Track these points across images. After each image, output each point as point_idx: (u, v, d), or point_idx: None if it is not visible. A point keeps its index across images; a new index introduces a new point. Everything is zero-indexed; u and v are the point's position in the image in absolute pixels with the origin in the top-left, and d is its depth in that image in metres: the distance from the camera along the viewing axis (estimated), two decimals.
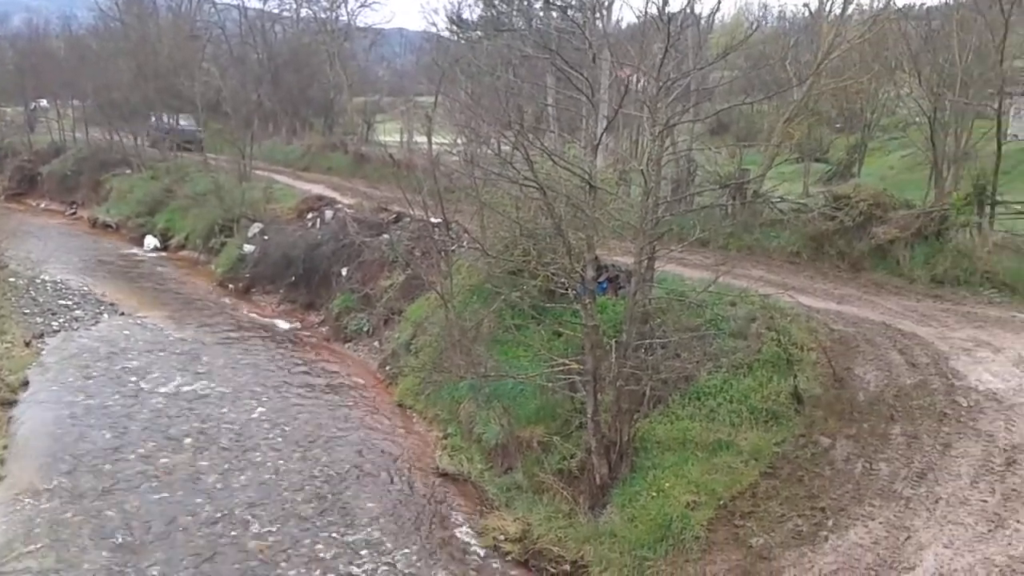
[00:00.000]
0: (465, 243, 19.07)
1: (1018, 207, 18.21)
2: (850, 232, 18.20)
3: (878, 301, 16.06)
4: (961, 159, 20.78)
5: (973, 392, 12.26)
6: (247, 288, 25.02)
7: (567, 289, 13.58)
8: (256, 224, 26.86)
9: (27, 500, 13.40)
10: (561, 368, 13.39)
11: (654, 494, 11.96)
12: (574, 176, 13.33)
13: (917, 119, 23.24)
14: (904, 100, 25.88)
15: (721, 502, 11.47)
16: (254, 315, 23.45)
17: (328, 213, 26.06)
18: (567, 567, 11.73)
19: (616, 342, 13.04)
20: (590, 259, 13.43)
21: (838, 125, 27.58)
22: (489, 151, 18.30)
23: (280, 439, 15.94)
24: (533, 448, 13.93)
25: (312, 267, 23.75)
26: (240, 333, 21.84)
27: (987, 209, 17.50)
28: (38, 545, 12.15)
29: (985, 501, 10.32)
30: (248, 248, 26.17)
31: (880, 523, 10.46)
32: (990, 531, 9.81)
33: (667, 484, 12.00)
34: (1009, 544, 9.53)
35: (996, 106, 19.72)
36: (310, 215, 26.66)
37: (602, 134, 15.19)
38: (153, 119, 40.44)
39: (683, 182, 19.36)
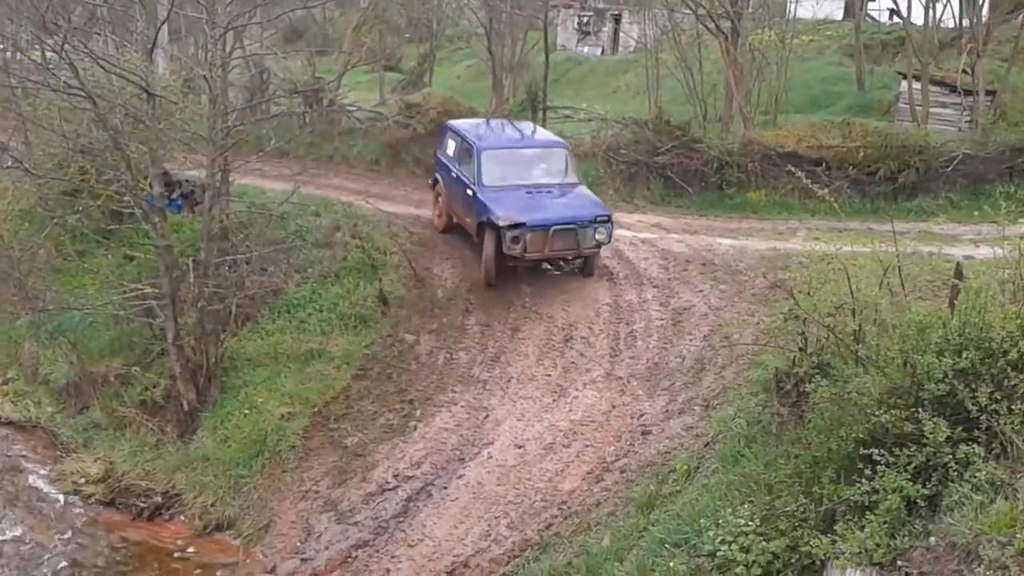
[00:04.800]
0: (7, 163, 16.66)
1: (565, 112, 20.31)
2: (423, 139, 18.98)
3: None
4: (517, 68, 22.53)
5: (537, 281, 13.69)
6: None
7: (134, 208, 12.57)
8: None
9: None
10: (135, 294, 12.46)
11: (247, 412, 11.83)
12: (131, 84, 12.23)
13: (478, 30, 24.73)
14: (465, 11, 27.33)
15: (315, 409, 11.69)
16: None
17: None
18: (158, 499, 11.21)
19: (195, 261, 12.46)
20: (156, 174, 12.53)
21: (407, 35, 28.38)
22: (27, 58, 16.11)
23: None
24: (110, 383, 13.01)
25: None
26: None
27: (540, 114, 19.28)
28: None
29: (549, 375, 11.69)
30: None
31: (462, 407, 11.40)
32: (554, 401, 11.17)
33: (260, 400, 11.93)
34: (570, 410, 10.93)
35: (543, 18, 21.62)
36: None
37: (156, 37, 14.04)
38: None
39: (256, 90, 18.67)
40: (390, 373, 12.38)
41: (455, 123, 16.08)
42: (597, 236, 13.27)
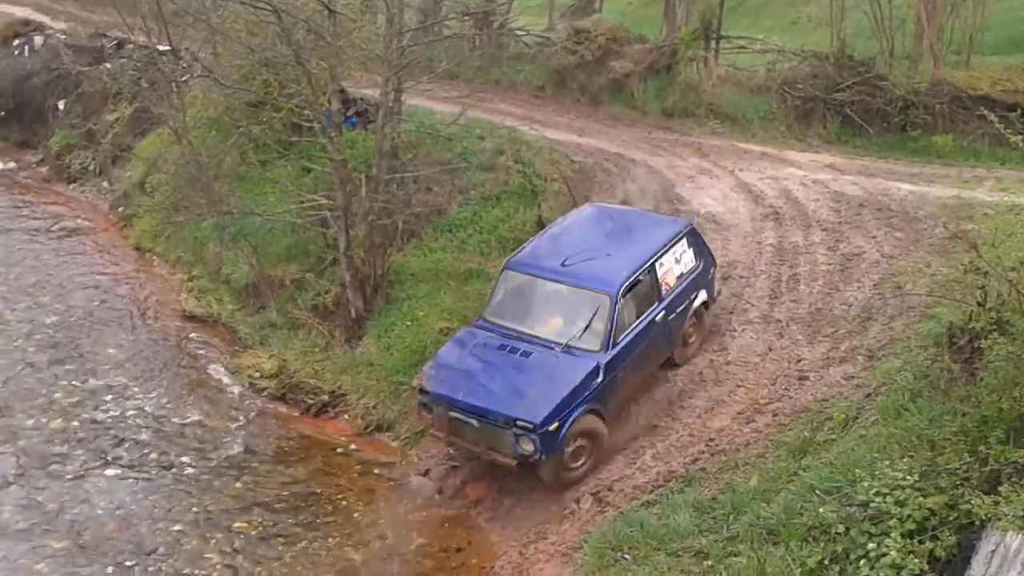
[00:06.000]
0: (197, 73, 17.66)
1: (740, 42, 19.52)
2: (590, 66, 18.77)
3: (615, 133, 16.91)
4: None
5: (695, 216, 13.45)
6: None
7: (313, 122, 13.13)
8: None
9: None
10: (311, 204, 13.12)
11: (409, 323, 12.34)
12: (313, 0, 12.65)
13: None
14: None
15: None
16: None
17: (38, 39, 23.03)
18: (325, 397, 11.98)
19: (367, 177, 12.92)
20: (334, 90, 12.98)
21: None
22: None
23: (3, 287, 14.62)
24: (286, 286, 13.78)
25: (24, 101, 21.19)
26: None
27: (712, 44, 18.64)
28: None
29: None
30: None
31: None
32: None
33: (421, 313, 12.40)
34: (724, 349, 10.81)
35: None
36: (16, 41, 23.44)
37: None
38: None
39: (430, 11, 18.91)
40: None
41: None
42: (521, 447, 9.06)
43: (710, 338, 10.99)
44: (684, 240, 10.71)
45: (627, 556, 7.98)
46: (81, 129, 19.77)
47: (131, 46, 19.66)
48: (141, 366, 12.84)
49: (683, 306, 10.54)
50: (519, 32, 20.47)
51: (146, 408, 11.89)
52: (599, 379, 9.40)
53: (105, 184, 18.85)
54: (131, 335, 13.72)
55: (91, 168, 19.25)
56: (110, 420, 11.59)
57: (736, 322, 11.19)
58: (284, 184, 14.27)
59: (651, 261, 10.22)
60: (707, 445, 9.37)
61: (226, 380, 12.79)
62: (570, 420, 9.09)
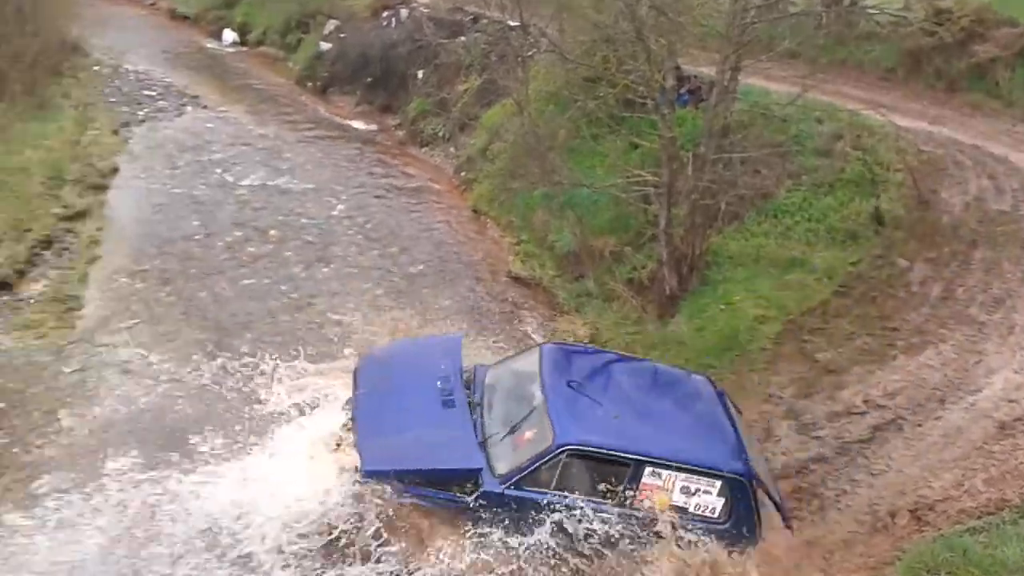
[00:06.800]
0: (543, 47, 18.52)
1: None
2: (949, 49, 17.17)
3: (972, 124, 15.42)
4: None
5: None
6: (325, 87, 24.87)
7: (646, 99, 13.28)
8: (332, 20, 26.32)
9: (122, 280, 14.21)
10: (636, 179, 13.34)
11: (723, 307, 12.20)
12: None
13: None
14: None
15: (790, 317, 11.67)
16: (332, 115, 23.49)
17: (404, 12, 25.35)
18: None
19: (694, 155, 12.86)
20: (671, 67, 13.03)
21: None
22: None
23: (360, 236, 16.42)
24: (604, 257, 14.15)
25: (389, 68, 23.42)
26: (319, 132, 22.03)
27: None
28: (134, 321, 13.01)
29: None
30: (325, 46, 25.80)
31: (951, 346, 10.58)
32: None
33: (737, 298, 12.21)
34: None
35: None
36: (385, 13, 25.96)
37: None
38: None
39: None
40: (874, 296, 11.85)
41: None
42: None
43: None
44: None
45: None
46: (435, 97, 21.53)
47: (485, 21, 21.07)
48: (470, 319, 13.85)
49: None
50: (872, 10, 19.15)
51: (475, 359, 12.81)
52: None
53: (452, 149, 20.42)
54: (463, 289, 14.85)
55: (441, 134, 20.94)
56: None
57: None
58: (612, 158, 14.63)
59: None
60: None
61: (542, 341, 13.43)
62: None
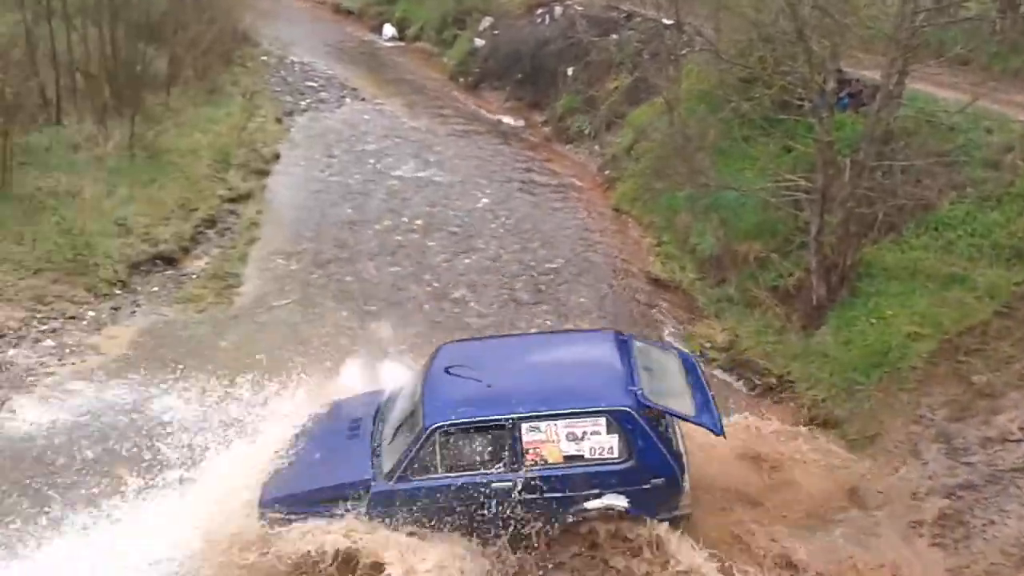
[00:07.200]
0: (697, 46, 18.24)
1: None
2: None
3: None
4: None
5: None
6: (476, 83, 25.38)
7: (803, 101, 12.89)
8: (487, 17, 26.82)
9: (278, 260, 14.99)
10: (788, 184, 12.96)
11: (873, 321, 11.68)
12: None
13: None
14: None
15: (946, 336, 11.04)
16: (481, 110, 23.95)
17: (557, 9, 25.52)
18: (772, 380, 11.87)
19: (852, 161, 12.37)
20: (832, 70, 12.58)
21: None
22: None
23: (501, 229, 16.68)
24: (749, 263, 13.80)
25: (539, 65, 23.65)
26: (468, 126, 22.50)
27: None
28: (288, 300, 13.68)
29: None
30: (478, 42, 26.32)
31: None
32: None
33: (889, 312, 11.66)
34: None
35: None
36: (539, 10, 26.20)
37: None
38: None
39: None
40: None
41: None
42: None
43: None
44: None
45: None
46: (583, 95, 21.59)
47: (639, 19, 20.95)
48: (606, 318, 13.83)
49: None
50: None
51: None
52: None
53: (596, 147, 20.42)
54: (600, 288, 14.84)
55: (587, 131, 20.96)
56: None
57: None
58: (763, 161, 14.26)
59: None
60: None
61: (678, 344, 13.23)
62: None
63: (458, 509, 8.09)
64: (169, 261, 14.48)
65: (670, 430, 8.41)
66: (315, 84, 24.76)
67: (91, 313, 12.72)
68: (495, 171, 19.61)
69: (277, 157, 19.30)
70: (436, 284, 14.46)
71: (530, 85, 23.88)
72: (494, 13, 26.75)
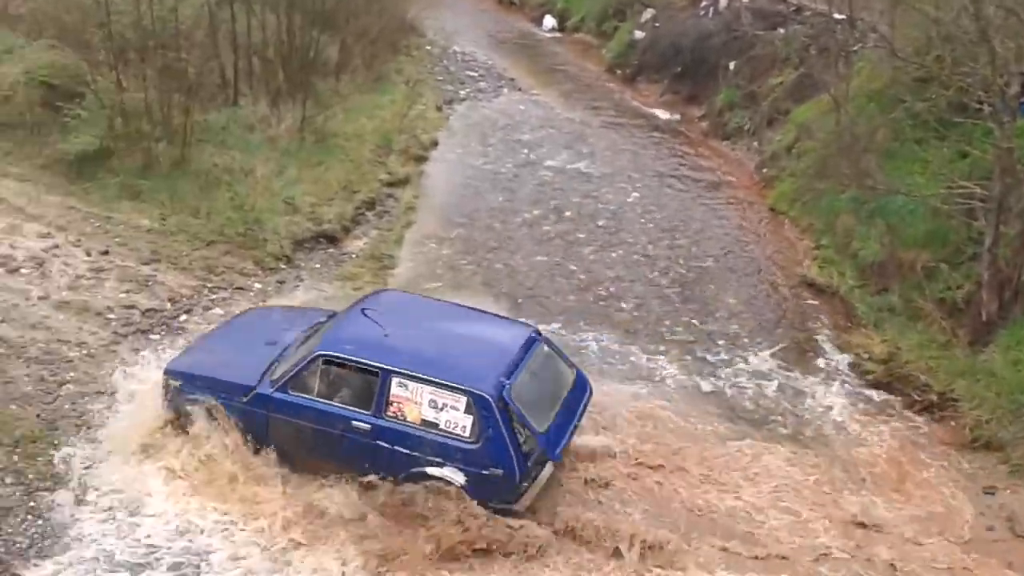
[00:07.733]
0: (870, 43, 17.41)
1: None
2: None
3: None
4: None
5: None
6: (633, 75, 25.13)
7: (983, 104, 12.14)
8: (649, 9, 26.49)
9: (431, 244, 15.37)
10: (961, 191, 12.25)
11: None
12: None
13: None
14: None
15: None
16: (637, 103, 23.72)
17: (722, 1, 24.92)
18: (933, 397, 11.26)
19: None
20: (1016, 72, 11.81)
21: None
22: None
23: (651, 224, 16.50)
24: (915, 272, 13.09)
25: (699, 58, 23.18)
26: (622, 119, 22.34)
27: None
28: (438, 283, 14.02)
29: None
30: (638, 34, 26.05)
31: None
32: None
33: None
34: None
35: None
36: (703, 3, 25.69)
37: None
38: None
39: None
40: None
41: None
42: None
43: None
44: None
45: None
46: (744, 90, 21.04)
47: (808, 13, 20.22)
48: (754, 320, 13.49)
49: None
50: None
51: (750, 360, 12.49)
52: None
53: (755, 144, 19.87)
54: (750, 289, 14.47)
55: (746, 128, 20.43)
56: (719, 363, 12.44)
57: None
58: (936, 166, 13.53)
59: None
60: None
61: (832, 352, 12.78)
62: None
63: (317, 433, 8.87)
64: (331, 240, 15.09)
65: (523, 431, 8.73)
66: (475, 74, 25.19)
67: (258, 285, 13.41)
68: (647, 165, 19.42)
69: (435, 144, 19.77)
70: (582, 276, 14.46)
71: (688, 79, 23.48)
72: (656, 5, 26.41)
